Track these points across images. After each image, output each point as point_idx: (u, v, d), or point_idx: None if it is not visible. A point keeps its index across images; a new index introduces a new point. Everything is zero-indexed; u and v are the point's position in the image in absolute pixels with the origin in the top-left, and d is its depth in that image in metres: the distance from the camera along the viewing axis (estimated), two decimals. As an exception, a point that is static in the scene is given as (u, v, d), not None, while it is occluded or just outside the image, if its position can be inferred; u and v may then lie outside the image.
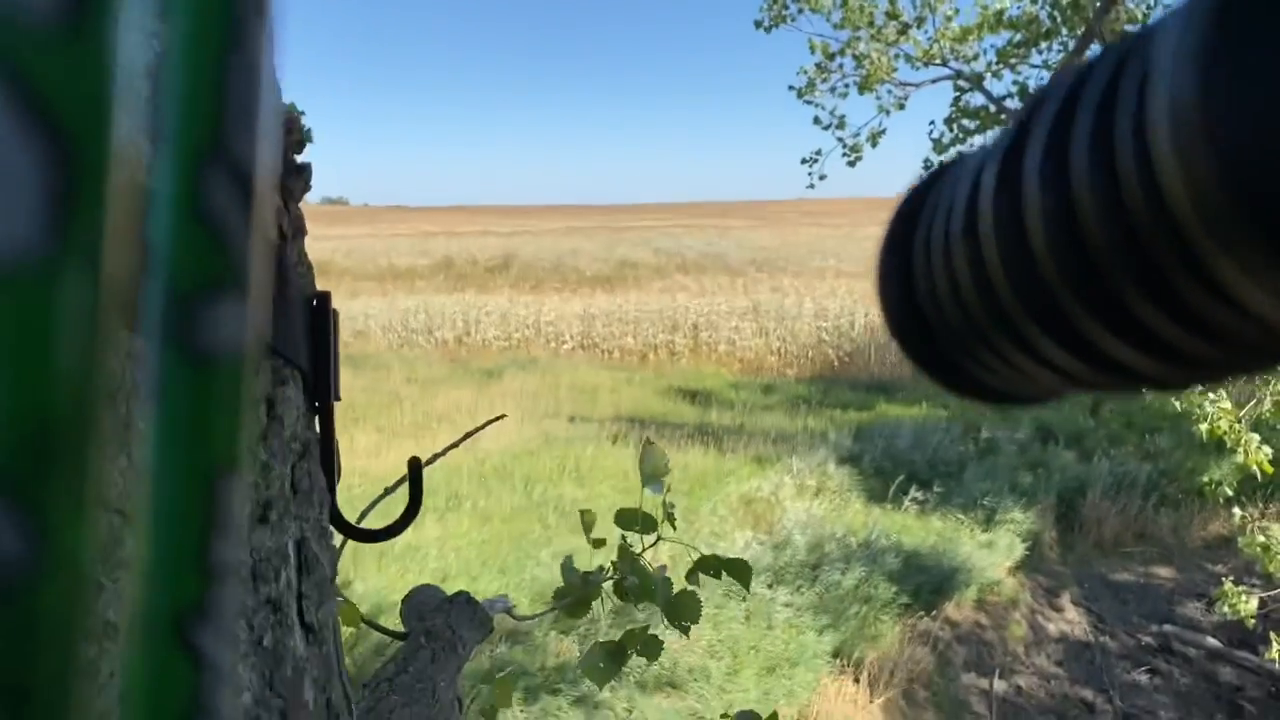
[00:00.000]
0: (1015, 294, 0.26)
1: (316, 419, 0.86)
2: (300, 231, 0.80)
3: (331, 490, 0.87)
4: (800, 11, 10.20)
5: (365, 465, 7.26)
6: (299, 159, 0.79)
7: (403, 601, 1.50)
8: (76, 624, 0.14)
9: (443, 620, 1.34)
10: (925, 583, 6.77)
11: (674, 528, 1.71)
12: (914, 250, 0.32)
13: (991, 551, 7.33)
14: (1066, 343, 0.25)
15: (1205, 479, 6.13)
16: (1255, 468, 5.12)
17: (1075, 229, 0.23)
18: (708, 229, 45.47)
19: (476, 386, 12.54)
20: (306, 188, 0.81)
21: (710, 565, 1.70)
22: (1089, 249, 0.23)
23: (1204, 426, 5.20)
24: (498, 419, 1.82)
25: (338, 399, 0.85)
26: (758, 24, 10.48)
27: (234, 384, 0.16)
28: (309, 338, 0.82)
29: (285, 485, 0.76)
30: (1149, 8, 8.47)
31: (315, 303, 0.83)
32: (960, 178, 0.29)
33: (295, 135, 0.77)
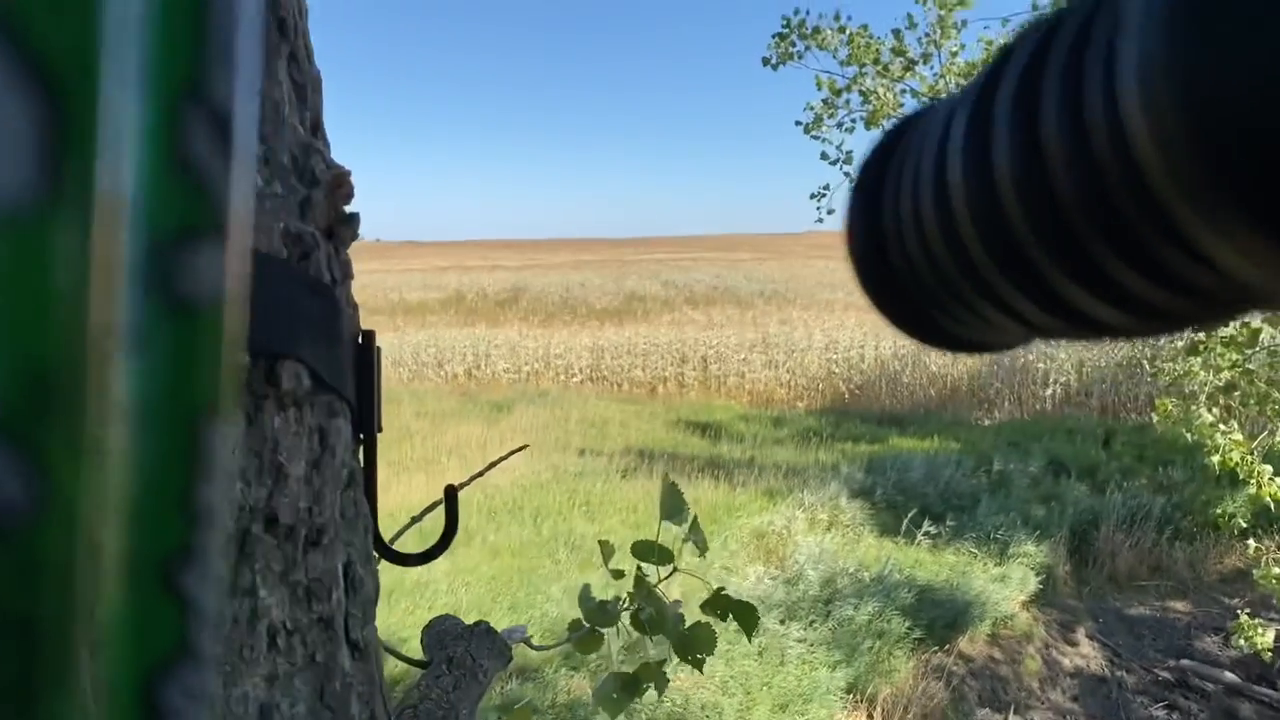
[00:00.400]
0: (983, 244, 0.26)
1: (361, 450, 0.90)
2: (348, 275, 0.84)
3: (374, 517, 0.91)
4: (807, 49, 10.27)
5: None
6: (348, 209, 0.83)
7: (424, 630, 1.51)
8: (76, 564, 0.14)
9: (463, 648, 1.35)
10: (939, 617, 6.72)
11: (703, 555, 1.72)
12: (883, 200, 0.32)
13: (1005, 585, 7.28)
14: (1033, 295, 0.25)
15: (1219, 511, 6.09)
16: (1269, 499, 5.09)
17: (1043, 180, 0.23)
18: (716, 262, 45.62)
19: (486, 420, 12.55)
20: (354, 236, 0.85)
21: (720, 604, 1.69)
22: (1057, 200, 0.22)
23: (1215, 459, 5.17)
24: (521, 449, 1.84)
25: (380, 430, 0.90)
26: (765, 61, 10.54)
27: (215, 330, 0.15)
28: (355, 373, 0.85)
29: (335, 511, 0.79)
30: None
31: (361, 340, 0.88)
32: (930, 126, 0.29)
33: (345, 189, 0.81)
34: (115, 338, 0.14)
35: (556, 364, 16.77)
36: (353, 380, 0.85)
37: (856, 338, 16.44)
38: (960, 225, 0.26)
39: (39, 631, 0.14)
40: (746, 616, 1.67)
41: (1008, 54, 0.25)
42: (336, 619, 0.78)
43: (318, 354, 0.75)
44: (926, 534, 8.09)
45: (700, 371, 16.13)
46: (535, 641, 1.73)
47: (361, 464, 0.89)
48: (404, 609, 6.07)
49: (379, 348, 0.89)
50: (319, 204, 0.78)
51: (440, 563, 7.20)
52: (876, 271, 0.33)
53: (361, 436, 0.89)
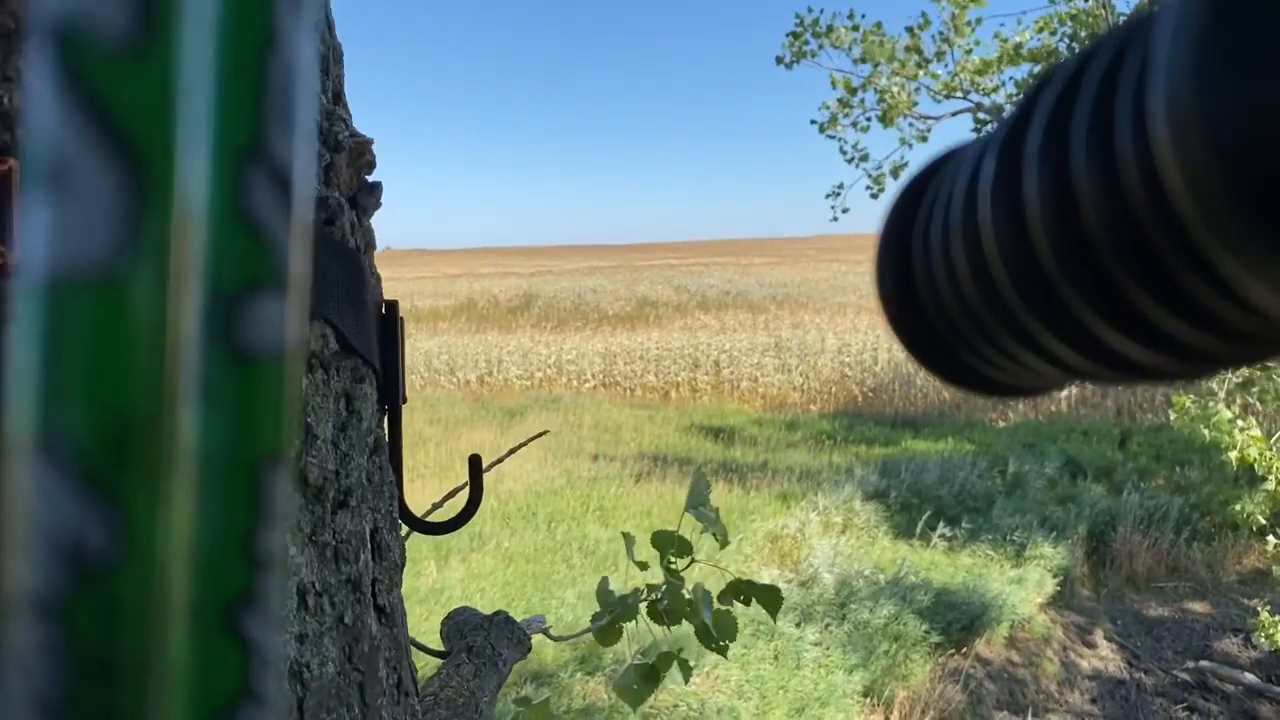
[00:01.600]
0: (1014, 284, 0.25)
1: (386, 420, 0.92)
2: (371, 245, 0.85)
3: (399, 485, 0.92)
4: (821, 47, 10.30)
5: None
6: (369, 179, 0.84)
7: (443, 621, 1.53)
8: (154, 608, 0.15)
9: (483, 638, 1.37)
10: (955, 619, 6.69)
11: (723, 546, 1.72)
12: (913, 240, 0.31)
13: (1022, 587, 7.25)
14: (1065, 335, 0.25)
15: (1237, 508, 6.05)
16: (1287, 497, 5.06)
17: (1074, 218, 0.22)
18: (728, 266, 45.60)
19: (500, 426, 12.55)
20: (377, 204, 0.86)
21: (741, 590, 1.69)
22: (1088, 238, 0.22)
23: (1233, 455, 5.14)
24: (542, 435, 1.87)
25: (404, 401, 0.91)
26: (779, 60, 10.58)
27: (276, 379, 0.16)
28: (379, 342, 0.86)
29: (362, 475, 0.81)
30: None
31: (385, 310, 0.88)
32: (961, 165, 0.29)
33: (366, 158, 0.83)
34: (185, 388, 0.15)
35: (569, 370, 16.78)
36: (377, 348, 0.86)
37: (869, 340, 16.40)
38: (991, 265, 0.26)
39: (119, 674, 0.15)
40: (770, 599, 1.67)
41: (1037, 91, 0.25)
42: (364, 582, 0.80)
43: (344, 317, 0.76)
44: (942, 536, 8.07)
45: (713, 376, 16.11)
46: (552, 645, 1.73)
47: (386, 433, 0.91)
48: (418, 615, 6.07)
49: (402, 318, 0.90)
50: (342, 170, 0.79)
51: (455, 569, 7.22)
52: (908, 314, 0.32)
53: (386, 407, 0.90)
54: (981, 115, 9.76)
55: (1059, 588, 7.51)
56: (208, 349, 0.15)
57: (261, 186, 0.16)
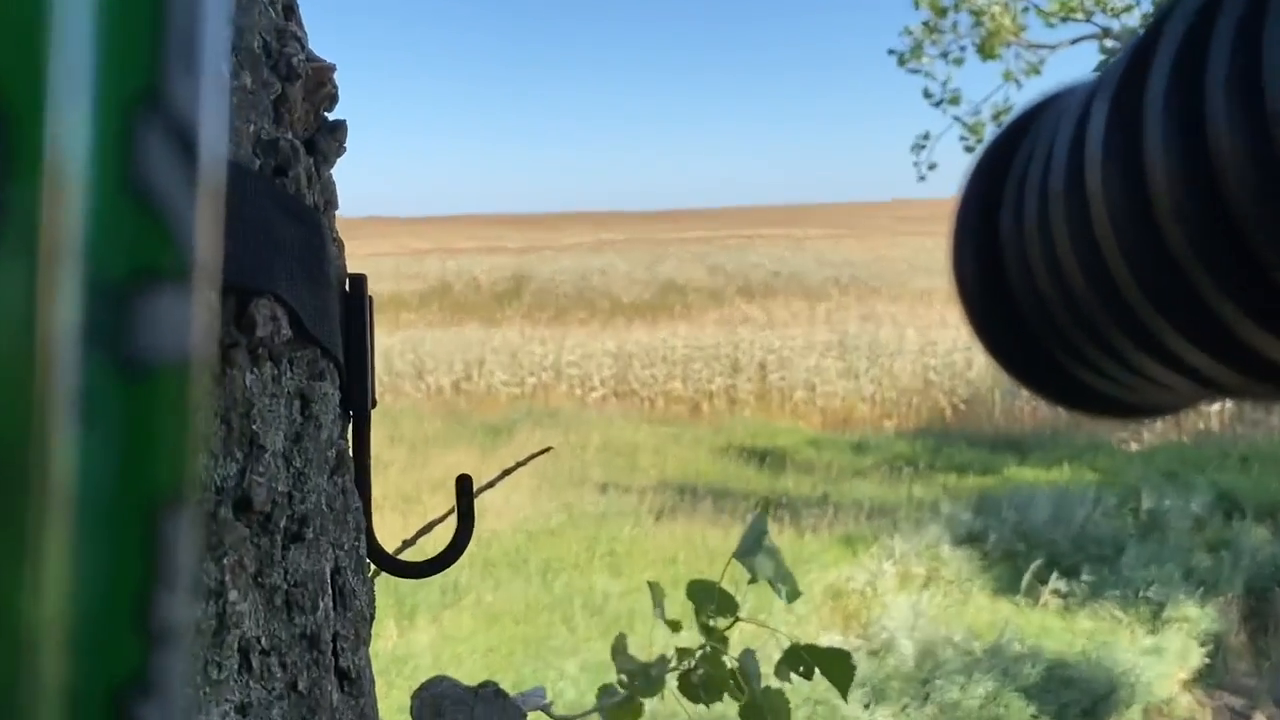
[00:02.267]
0: (1133, 273, 0.25)
1: (350, 430, 0.90)
2: (332, 202, 0.83)
3: (367, 514, 0.90)
4: (899, -42, 10.29)
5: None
6: (330, 116, 0.82)
7: (414, 695, 1.53)
8: (20, 695, 0.14)
9: (466, 717, 1.37)
10: (1073, 701, 6.67)
11: (791, 601, 1.71)
12: (1002, 217, 0.31)
13: (1160, 659, 7.21)
14: (1201, 338, 0.24)
15: None
16: None
17: (1212, 189, 0.22)
18: (777, 240, 45.54)
19: (481, 447, 12.57)
20: (341, 149, 0.84)
21: (799, 659, 1.68)
22: (1231, 212, 0.22)
23: None
24: (545, 451, 1.86)
25: (374, 405, 0.88)
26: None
27: (177, 397, 0.16)
28: (343, 328, 0.85)
29: (321, 500, 0.79)
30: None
31: (349, 287, 0.87)
32: (1061, 121, 0.28)
33: (328, 89, 0.81)
34: (59, 408, 0.14)
35: (570, 374, 16.80)
36: (340, 335, 0.83)
37: (961, 337, 16.34)
38: (1103, 247, 0.25)
39: None
40: (838, 667, 1.65)
41: (1161, 19, 0.24)
42: (323, 637, 0.79)
43: (299, 295, 0.73)
44: (1055, 592, 8.04)
45: (758, 383, 16.10)
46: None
47: (350, 447, 0.89)
48: (378, 689, 6.09)
49: (371, 297, 0.87)
50: (296, 105, 0.77)
51: (422, 630, 7.23)
52: (991, 305, 0.32)
53: (350, 412, 0.87)
54: (1109, 43, 9.72)
55: (1208, 660, 7.47)
56: (89, 357, 0.15)
57: (158, 147, 0.15)
